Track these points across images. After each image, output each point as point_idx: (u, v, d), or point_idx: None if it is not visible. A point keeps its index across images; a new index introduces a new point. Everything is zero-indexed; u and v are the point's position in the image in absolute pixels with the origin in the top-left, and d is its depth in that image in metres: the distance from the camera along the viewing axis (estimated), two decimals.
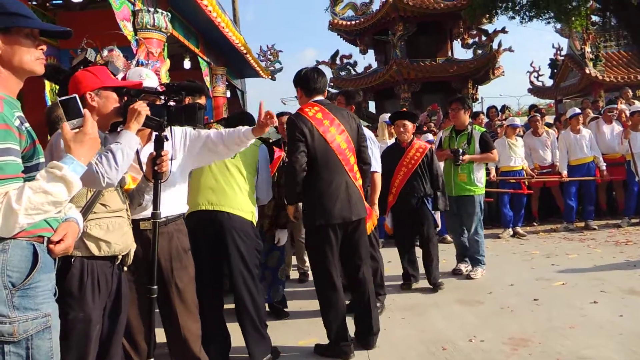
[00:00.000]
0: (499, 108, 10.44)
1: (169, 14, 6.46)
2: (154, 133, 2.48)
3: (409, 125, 5.04)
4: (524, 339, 3.56)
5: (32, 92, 5.62)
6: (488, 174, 7.09)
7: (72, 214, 1.84)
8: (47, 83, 5.86)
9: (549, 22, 11.72)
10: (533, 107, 10.54)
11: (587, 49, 15.36)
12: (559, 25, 14.77)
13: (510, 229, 7.50)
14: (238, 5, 15.91)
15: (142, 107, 2.27)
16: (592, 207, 7.72)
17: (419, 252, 5.23)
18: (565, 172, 7.55)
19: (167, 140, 2.48)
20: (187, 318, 2.75)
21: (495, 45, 14.31)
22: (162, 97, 2.51)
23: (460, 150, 5.26)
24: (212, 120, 3.76)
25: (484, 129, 5.90)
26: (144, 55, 5.99)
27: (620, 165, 7.86)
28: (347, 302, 3.64)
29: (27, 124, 1.67)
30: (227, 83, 10.70)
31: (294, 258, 5.70)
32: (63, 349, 1.98)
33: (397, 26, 14.27)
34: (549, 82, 18.57)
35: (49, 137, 3.36)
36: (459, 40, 15.64)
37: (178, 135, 2.79)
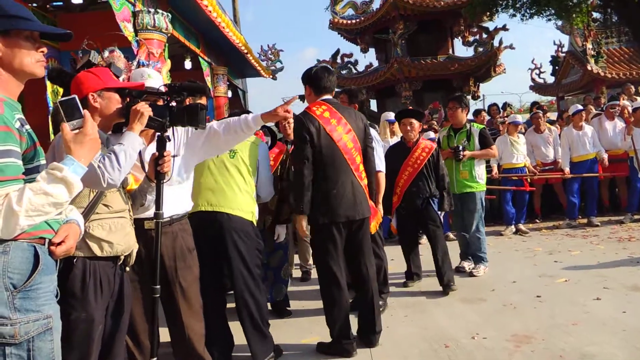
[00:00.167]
0: (500, 105, 10.43)
1: (169, 14, 6.46)
2: (157, 133, 2.48)
3: (416, 123, 4.97)
4: (527, 336, 3.56)
5: (34, 94, 5.63)
6: (490, 171, 7.09)
7: (73, 216, 1.84)
8: (48, 85, 5.88)
9: (549, 19, 11.72)
10: (535, 104, 10.51)
11: (589, 45, 15.33)
12: (560, 22, 14.73)
13: (513, 226, 7.49)
14: (238, 5, 15.93)
15: (144, 108, 2.27)
16: (594, 204, 7.71)
17: (421, 250, 5.24)
18: (567, 169, 7.54)
19: (170, 140, 2.48)
20: (190, 317, 2.76)
21: (496, 43, 14.28)
22: (164, 98, 2.51)
23: (461, 147, 5.27)
24: (213, 120, 3.77)
25: (482, 126, 5.93)
26: (145, 55, 6.00)
27: (623, 161, 7.84)
28: (350, 300, 3.65)
29: (27, 126, 1.67)
30: (228, 83, 10.71)
31: (296, 257, 5.70)
32: (65, 349, 1.98)
33: (397, 24, 14.25)
34: (550, 79, 18.54)
35: (51, 138, 3.37)
36: (459, 38, 15.62)
37: (180, 131, 2.77)
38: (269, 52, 13.32)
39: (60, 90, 6.02)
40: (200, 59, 8.93)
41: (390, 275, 4.75)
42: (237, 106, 12.18)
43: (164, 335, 2.92)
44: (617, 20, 12.86)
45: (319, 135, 3.42)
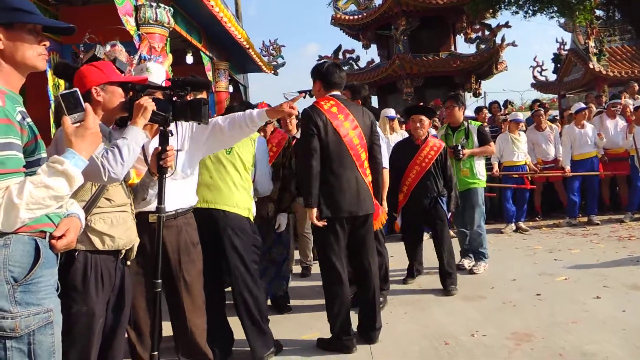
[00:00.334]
0: (501, 103, 10.42)
1: (171, 8, 6.44)
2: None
3: (426, 121, 4.82)
4: (526, 334, 3.56)
5: (35, 88, 5.61)
6: (491, 169, 7.10)
7: (73, 210, 1.84)
8: (49, 78, 5.86)
9: (552, 17, 11.69)
10: (536, 102, 10.50)
11: (591, 43, 15.27)
12: (562, 20, 14.70)
13: (513, 224, 7.50)
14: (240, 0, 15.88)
15: (148, 103, 2.27)
16: (595, 202, 7.71)
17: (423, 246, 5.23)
18: (568, 167, 7.54)
19: (172, 135, 2.47)
20: (193, 312, 2.76)
21: (498, 40, 14.25)
22: (167, 92, 2.50)
23: (459, 146, 5.26)
24: (214, 115, 3.76)
25: (480, 123, 5.95)
26: (147, 50, 5.98)
27: (624, 160, 7.84)
28: (350, 296, 3.66)
29: (29, 119, 1.66)
30: (229, 78, 10.68)
31: (296, 252, 5.71)
32: (66, 342, 1.99)
33: (399, 21, 14.22)
34: (552, 77, 18.48)
35: (52, 131, 3.36)
36: (462, 35, 15.58)
37: (184, 125, 2.76)
38: (271, 47, 13.27)
39: (62, 83, 6.02)
40: (202, 54, 8.91)
41: (391, 272, 4.74)
42: (238, 101, 12.16)
43: (167, 329, 2.92)
44: (620, 18, 12.83)
45: (326, 130, 3.43)
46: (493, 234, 7.08)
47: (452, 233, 6.76)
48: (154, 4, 6.12)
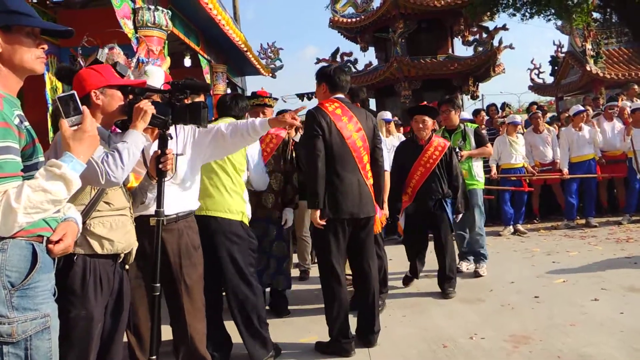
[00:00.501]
0: (499, 105, 10.43)
1: (169, 11, 6.44)
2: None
3: (429, 121, 4.74)
4: (524, 336, 3.56)
5: (33, 91, 5.61)
6: (489, 171, 7.11)
7: (71, 214, 1.83)
8: (47, 82, 5.86)
9: (549, 19, 11.71)
10: (533, 104, 10.52)
11: (588, 46, 15.33)
12: (559, 22, 14.73)
13: (511, 227, 7.51)
14: (238, 2, 15.90)
15: (147, 106, 2.27)
16: (592, 205, 7.72)
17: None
18: (566, 170, 7.55)
19: (172, 138, 2.47)
20: (194, 316, 2.76)
21: (496, 43, 14.24)
22: (167, 96, 2.50)
23: (457, 148, 5.26)
24: (213, 118, 3.75)
25: (476, 125, 5.97)
26: (145, 53, 5.98)
27: (622, 162, 7.86)
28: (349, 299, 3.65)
29: (26, 123, 1.66)
30: (227, 81, 10.68)
31: (295, 256, 5.70)
32: (65, 347, 1.98)
33: (397, 23, 14.22)
34: (549, 80, 18.53)
35: (50, 135, 3.35)
36: (459, 37, 15.58)
37: (187, 130, 2.77)
38: (269, 50, 13.28)
39: (60, 86, 6.01)
40: (200, 57, 8.91)
41: (389, 275, 4.75)
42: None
43: (167, 333, 2.92)
44: (616, 20, 12.86)
45: (330, 131, 3.45)
46: (491, 236, 7.08)
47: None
48: (152, 7, 6.13)
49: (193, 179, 2.82)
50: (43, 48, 1.73)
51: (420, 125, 4.72)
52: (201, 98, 3.59)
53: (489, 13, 12.34)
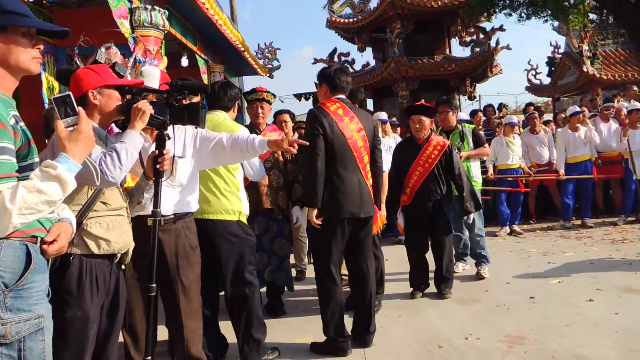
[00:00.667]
0: (496, 106, 10.46)
1: (166, 11, 6.44)
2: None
3: (426, 121, 4.66)
4: (520, 336, 3.57)
5: (29, 91, 5.59)
6: (486, 171, 7.12)
7: (65, 215, 1.83)
8: (44, 81, 5.85)
9: (546, 20, 11.72)
10: (530, 105, 10.56)
11: (585, 46, 15.36)
12: (556, 23, 14.76)
13: (507, 227, 7.53)
14: (235, 2, 15.89)
15: (146, 106, 2.27)
16: (588, 205, 7.74)
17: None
18: (562, 170, 7.57)
19: (169, 138, 2.47)
20: (190, 316, 2.76)
21: (493, 43, 14.27)
22: (165, 96, 2.49)
23: (456, 149, 5.22)
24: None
25: (473, 126, 5.97)
26: (142, 53, 5.97)
27: (618, 163, 7.88)
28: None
29: (22, 123, 1.66)
30: (224, 81, 10.68)
31: (291, 256, 5.70)
32: (60, 347, 1.98)
33: (394, 24, 14.23)
34: (546, 80, 18.56)
35: (46, 140, 3.34)
36: (456, 38, 15.60)
37: (190, 134, 2.79)
38: (266, 50, 13.29)
39: (57, 85, 6.00)
40: (197, 57, 8.91)
41: (386, 276, 4.75)
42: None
43: (162, 333, 2.91)
44: (613, 21, 12.89)
45: (332, 131, 3.47)
46: (487, 237, 7.03)
47: None
48: (149, 7, 6.12)
49: (192, 182, 2.83)
50: (39, 48, 1.73)
51: (417, 125, 4.68)
52: (198, 98, 3.60)
53: (485, 14, 12.36)
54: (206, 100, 3.78)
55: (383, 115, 7.03)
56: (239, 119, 9.08)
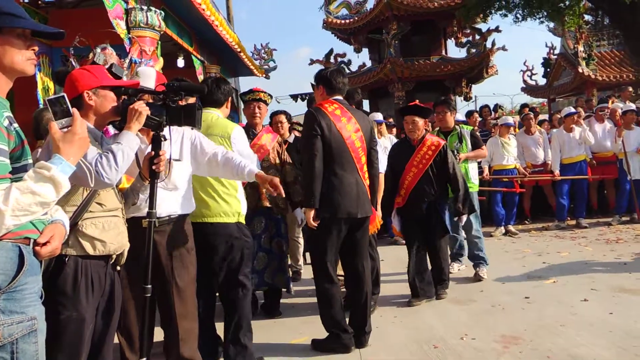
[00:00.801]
0: (492, 107, 10.49)
1: (162, 12, 6.43)
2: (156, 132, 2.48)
3: (419, 121, 4.60)
4: (515, 337, 3.58)
5: (24, 91, 5.58)
6: (481, 172, 7.14)
7: (58, 216, 1.82)
8: (39, 81, 5.83)
9: (542, 22, 11.78)
10: (525, 106, 10.58)
11: (580, 48, 15.42)
12: (552, 25, 14.81)
13: (503, 227, 7.55)
14: (232, 3, 15.88)
15: (142, 107, 2.27)
16: (583, 206, 7.77)
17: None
18: (557, 171, 7.60)
19: (165, 139, 2.47)
20: (184, 317, 2.75)
21: (488, 44, 14.32)
22: (161, 97, 2.49)
23: (455, 151, 5.21)
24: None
25: (471, 127, 5.96)
26: (137, 53, 5.97)
27: (612, 163, 7.92)
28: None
29: (16, 125, 1.66)
30: None
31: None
32: (55, 349, 1.98)
33: (391, 25, 14.26)
34: (542, 81, 18.61)
35: (38, 142, 3.33)
36: (452, 39, 15.65)
37: (187, 139, 2.81)
38: (262, 51, 13.26)
39: (52, 86, 5.99)
40: (193, 57, 8.90)
41: (381, 276, 4.75)
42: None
43: (158, 334, 2.91)
44: (608, 22, 12.95)
45: (330, 131, 3.48)
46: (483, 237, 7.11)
47: None
48: (145, 7, 6.12)
49: (187, 185, 2.83)
50: (34, 49, 1.72)
51: (411, 126, 4.63)
52: (194, 99, 3.60)
53: (481, 15, 12.40)
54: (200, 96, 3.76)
55: (379, 116, 7.05)
56: (235, 120, 9.08)
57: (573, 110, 8.15)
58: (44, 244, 1.68)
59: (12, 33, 1.66)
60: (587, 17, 13.18)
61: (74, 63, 5.21)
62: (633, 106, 8.17)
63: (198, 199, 3.06)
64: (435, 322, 4.02)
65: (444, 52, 15.66)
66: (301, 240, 5.66)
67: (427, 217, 4.60)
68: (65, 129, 1.70)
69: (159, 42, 6.47)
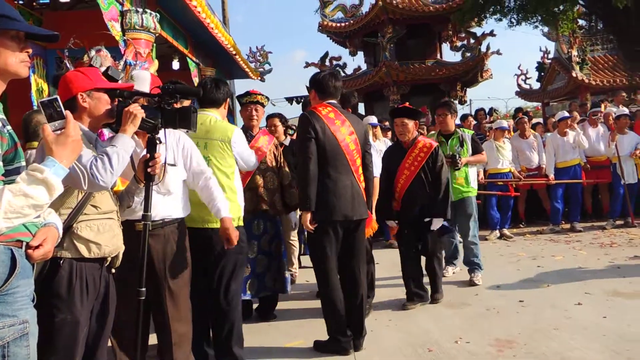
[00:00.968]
0: (487, 110, 10.52)
1: (157, 14, 6.42)
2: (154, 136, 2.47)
3: (409, 123, 4.53)
4: (509, 340, 3.59)
5: (18, 93, 5.56)
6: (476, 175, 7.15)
7: (51, 219, 1.81)
8: (33, 83, 5.81)
9: (536, 26, 11.85)
10: (519, 110, 10.63)
11: (574, 52, 15.52)
12: (546, 29, 14.91)
13: (497, 231, 7.57)
14: (227, 6, 15.89)
15: (137, 110, 2.26)
16: (578, 210, 7.80)
17: None
18: (552, 175, 7.62)
19: (160, 142, 2.46)
20: (178, 321, 2.74)
21: (483, 48, 14.39)
22: (156, 100, 2.48)
23: (457, 155, 5.12)
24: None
25: (472, 131, 5.92)
26: (132, 55, 5.96)
27: (606, 167, 7.96)
28: None
29: (9, 127, 1.64)
30: None
31: None
32: (49, 351, 1.97)
33: (386, 28, 14.31)
34: (536, 85, 18.74)
35: (26, 144, 3.30)
36: (447, 43, 15.71)
37: (187, 148, 2.83)
38: (258, 53, 13.27)
39: (46, 88, 5.96)
40: (188, 60, 8.89)
41: (376, 279, 4.75)
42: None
43: (153, 338, 2.90)
44: (602, 27, 13.04)
45: (324, 134, 3.49)
46: None
47: None
48: (140, 10, 6.11)
49: (181, 189, 2.83)
50: (28, 52, 1.71)
51: (400, 129, 4.58)
52: (189, 102, 3.59)
53: (476, 19, 12.46)
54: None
55: (373, 119, 7.06)
56: (230, 122, 9.04)
57: (567, 114, 8.19)
58: (37, 247, 1.66)
59: (6, 35, 1.65)
60: (581, 22, 13.28)
61: (68, 65, 5.19)
62: (626, 111, 8.21)
63: (199, 204, 3.03)
64: (430, 325, 4.02)
65: (439, 56, 15.72)
66: (296, 243, 5.65)
67: (421, 220, 4.54)
68: (59, 131, 1.69)
69: (154, 44, 6.46)
